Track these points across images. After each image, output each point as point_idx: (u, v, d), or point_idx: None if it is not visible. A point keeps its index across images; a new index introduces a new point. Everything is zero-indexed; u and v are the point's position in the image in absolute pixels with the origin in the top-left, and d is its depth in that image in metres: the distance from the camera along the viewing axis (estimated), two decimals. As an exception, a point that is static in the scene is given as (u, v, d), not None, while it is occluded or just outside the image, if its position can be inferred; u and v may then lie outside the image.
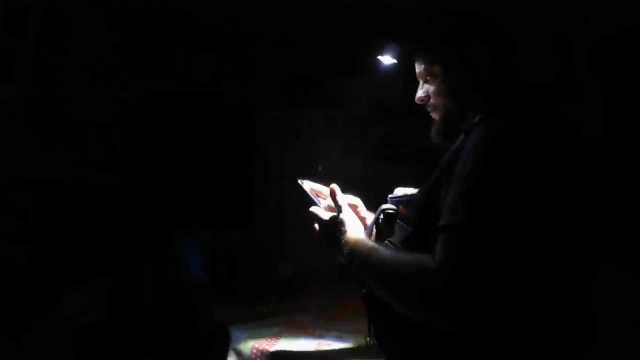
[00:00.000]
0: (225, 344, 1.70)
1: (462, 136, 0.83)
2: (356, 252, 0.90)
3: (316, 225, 1.02)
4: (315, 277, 2.44)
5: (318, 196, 1.09)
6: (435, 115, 1.00)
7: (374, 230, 1.00)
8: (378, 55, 3.23)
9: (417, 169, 1.04)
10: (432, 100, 0.99)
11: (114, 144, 2.66)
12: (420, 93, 1.03)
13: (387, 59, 3.17)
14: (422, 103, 1.02)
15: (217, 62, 3.47)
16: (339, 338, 1.65)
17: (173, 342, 2.02)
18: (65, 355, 1.88)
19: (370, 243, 0.90)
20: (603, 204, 0.86)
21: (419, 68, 1.02)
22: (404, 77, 1.08)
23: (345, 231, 0.94)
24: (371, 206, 1.06)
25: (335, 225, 0.96)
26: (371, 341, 0.96)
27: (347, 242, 0.92)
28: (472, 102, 0.92)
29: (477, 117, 0.81)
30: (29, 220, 1.98)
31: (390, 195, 1.00)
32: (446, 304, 0.68)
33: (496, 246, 0.68)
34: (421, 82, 1.03)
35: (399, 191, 1.01)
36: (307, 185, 1.09)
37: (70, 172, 2.27)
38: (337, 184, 1.03)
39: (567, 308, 0.79)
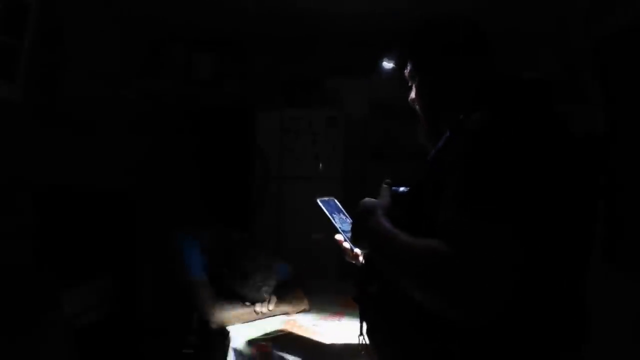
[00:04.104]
0: (225, 344, 1.71)
1: (447, 134, 0.85)
2: (380, 238, 0.88)
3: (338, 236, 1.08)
4: (314, 277, 2.44)
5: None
6: (419, 117, 1.06)
7: None
8: (379, 57, 3.38)
9: (417, 168, 1.03)
10: (415, 103, 1.06)
11: (114, 143, 2.66)
12: (411, 94, 1.09)
13: (388, 63, 3.40)
14: (413, 104, 1.08)
15: (217, 62, 3.47)
16: (337, 338, 1.66)
17: (173, 342, 2.03)
18: (65, 355, 1.89)
19: (391, 229, 0.88)
20: (595, 201, 0.87)
21: (406, 71, 1.09)
22: (403, 78, 1.11)
23: (371, 218, 0.92)
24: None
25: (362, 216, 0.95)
26: (364, 340, 0.97)
27: (372, 230, 0.91)
28: (446, 105, 0.97)
29: (460, 116, 0.83)
30: (29, 220, 1.98)
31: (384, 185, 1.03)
32: (459, 290, 0.69)
33: (502, 238, 0.70)
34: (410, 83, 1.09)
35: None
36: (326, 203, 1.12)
37: (70, 172, 2.27)
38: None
39: (559, 306, 0.80)
